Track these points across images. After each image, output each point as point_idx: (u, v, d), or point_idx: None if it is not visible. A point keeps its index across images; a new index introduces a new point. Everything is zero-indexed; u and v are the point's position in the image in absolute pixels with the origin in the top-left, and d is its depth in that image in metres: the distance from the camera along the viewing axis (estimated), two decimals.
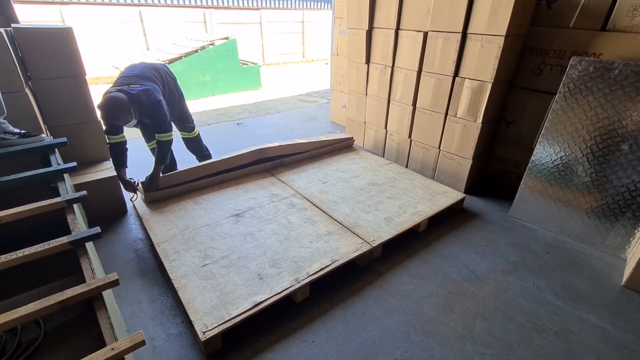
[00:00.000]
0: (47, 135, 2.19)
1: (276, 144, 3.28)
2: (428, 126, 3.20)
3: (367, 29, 3.46)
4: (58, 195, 1.52)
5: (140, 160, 3.67)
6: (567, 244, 2.48)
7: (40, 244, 1.22)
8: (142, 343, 1.01)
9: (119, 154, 2.47)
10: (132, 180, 2.57)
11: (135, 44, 8.31)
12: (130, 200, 2.62)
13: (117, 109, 2.23)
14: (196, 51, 6.31)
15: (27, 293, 1.38)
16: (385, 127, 3.67)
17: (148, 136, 2.91)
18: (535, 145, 2.55)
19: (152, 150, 2.97)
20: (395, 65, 3.33)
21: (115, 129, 2.39)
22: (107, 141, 2.44)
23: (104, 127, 2.43)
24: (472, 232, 2.58)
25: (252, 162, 3.07)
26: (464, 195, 2.87)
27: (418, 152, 3.39)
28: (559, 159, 2.46)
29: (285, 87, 7.58)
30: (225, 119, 5.23)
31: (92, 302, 1.11)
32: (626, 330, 1.82)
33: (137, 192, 2.61)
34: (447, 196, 2.81)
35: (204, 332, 1.57)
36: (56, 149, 1.90)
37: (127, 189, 2.58)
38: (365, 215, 2.50)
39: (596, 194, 2.36)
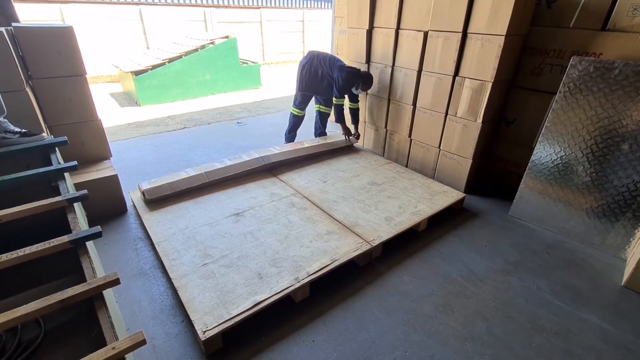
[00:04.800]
0: (48, 134, 2.19)
1: (278, 148, 3.29)
2: (428, 126, 3.19)
3: (367, 28, 3.46)
4: (58, 194, 1.52)
5: (140, 160, 3.67)
6: (567, 244, 2.49)
7: (41, 243, 1.22)
8: (143, 342, 1.01)
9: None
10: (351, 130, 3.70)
11: (135, 43, 8.30)
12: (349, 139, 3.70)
13: None
14: (196, 50, 6.29)
15: (27, 292, 1.38)
16: (385, 127, 3.67)
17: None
18: (535, 145, 2.55)
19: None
20: (395, 64, 3.33)
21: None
22: (350, 107, 3.65)
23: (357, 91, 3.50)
24: (472, 232, 2.58)
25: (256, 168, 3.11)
26: (464, 194, 2.87)
27: (418, 152, 3.39)
28: (559, 159, 2.46)
29: (285, 86, 7.56)
30: (225, 118, 5.23)
31: (93, 301, 1.11)
32: (626, 330, 1.82)
33: (352, 136, 3.70)
34: (447, 196, 2.81)
35: (204, 332, 1.57)
36: (57, 148, 1.90)
37: (346, 134, 3.67)
38: (365, 214, 2.50)
39: (596, 193, 2.36)
